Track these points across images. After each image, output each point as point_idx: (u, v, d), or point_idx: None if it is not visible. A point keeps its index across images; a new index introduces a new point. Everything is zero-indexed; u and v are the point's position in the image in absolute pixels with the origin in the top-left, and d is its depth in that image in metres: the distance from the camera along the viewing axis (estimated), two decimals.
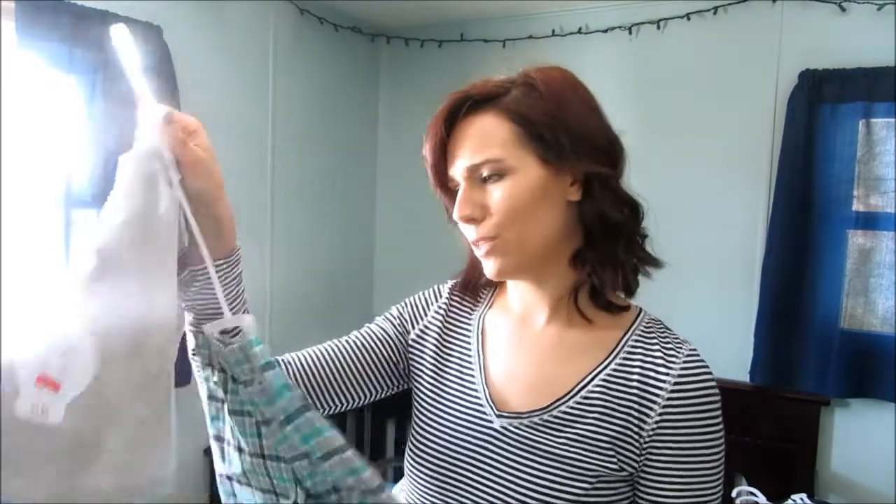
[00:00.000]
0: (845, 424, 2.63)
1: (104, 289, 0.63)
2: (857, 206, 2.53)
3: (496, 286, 0.95)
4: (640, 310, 0.87)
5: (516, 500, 0.79)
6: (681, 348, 0.81)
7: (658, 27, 2.86)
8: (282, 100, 2.93)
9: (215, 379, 0.72)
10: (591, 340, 0.84)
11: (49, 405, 0.58)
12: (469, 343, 0.91)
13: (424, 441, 0.88)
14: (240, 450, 0.71)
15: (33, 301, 0.63)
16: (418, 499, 0.87)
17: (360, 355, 0.92)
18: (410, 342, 0.94)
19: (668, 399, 0.77)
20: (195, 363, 0.78)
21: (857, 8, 2.52)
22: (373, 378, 0.93)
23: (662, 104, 2.82)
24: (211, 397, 0.75)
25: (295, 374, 0.89)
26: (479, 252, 0.83)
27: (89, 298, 0.62)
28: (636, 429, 0.78)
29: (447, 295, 0.97)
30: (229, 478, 0.75)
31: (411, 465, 0.89)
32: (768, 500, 2.00)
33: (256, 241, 2.83)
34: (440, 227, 0.91)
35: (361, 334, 0.95)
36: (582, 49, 2.94)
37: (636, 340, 0.83)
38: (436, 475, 0.85)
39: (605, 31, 2.95)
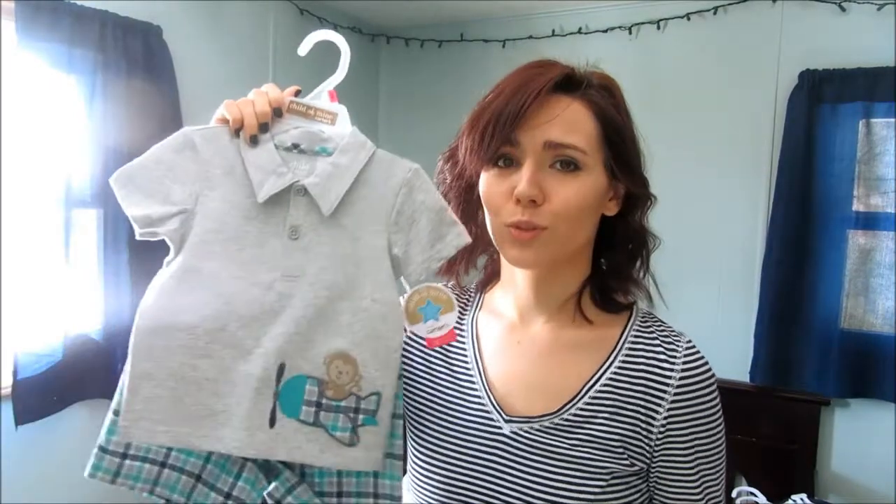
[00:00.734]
0: (845, 424, 2.63)
1: None
2: (857, 206, 2.53)
3: (482, 287, 0.93)
4: (634, 304, 0.87)
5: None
6: (679, 341, 0.81)
7: (658, 27, 2.86)
8: None
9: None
10: (592, 339, 0.84)
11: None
12: (464, 347, 0.89)
13: (429, 450, 0.85)
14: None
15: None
16: None
17: None
18: None
19: (676, 393, 0.78)
20: None
21: (857, 8, 2.52)
22: None
23: (662, 104, 2.82)
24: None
25: None
26: (511, 235, 0.78)
27: None
28: (645, 425, 0.78)
29: None
30: None
31: (417, 476, 0.86)
32: (768, 500, 2.00)
33: None
34: None
35: None
36: (582, 49, 2.91)
37: (636, 336, 0.83)
38: (445, 485, 0.83)
39: (605, 31, 2.95)
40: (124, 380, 0.69)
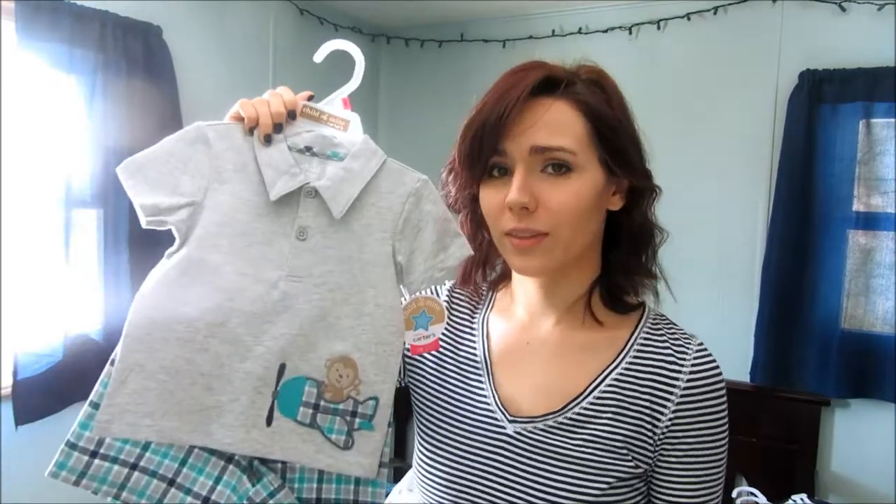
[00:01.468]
0: (845, 425, 2.63)
1: None
2: (857, 206, 2.53)
3: (495, 286, 0.93)
4: (645, 306, 0.86)
5: None
6: (689, 344, 0.80)
7: (658, 27, 2.86)
8: None
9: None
10: (601, 340, 0.83)
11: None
12: (474, 347, 0.88)
13: (435, 449, 0.86)
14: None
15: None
16: None
17: None
18: None
19: (682, 396, 0.77)
20: None
21: (857, 8, 2.52)
22: None
23: (662, 104, 2.81)
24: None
25: None
26: (512, 245, 0.78)
27: None
28: (650, 426, 0.77)
29: (447, 295, 0.95)
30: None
31: (423, 474, 0.87)
32: (768, 500, 2.00)
33: None
34: None
35: None
36: (582, 49, 2.91)
37: (645, 337, 0.82)
38: (451, 484, 0.83)
39: (605, 31, 2.95)
40: (109, 370, 0.67)
